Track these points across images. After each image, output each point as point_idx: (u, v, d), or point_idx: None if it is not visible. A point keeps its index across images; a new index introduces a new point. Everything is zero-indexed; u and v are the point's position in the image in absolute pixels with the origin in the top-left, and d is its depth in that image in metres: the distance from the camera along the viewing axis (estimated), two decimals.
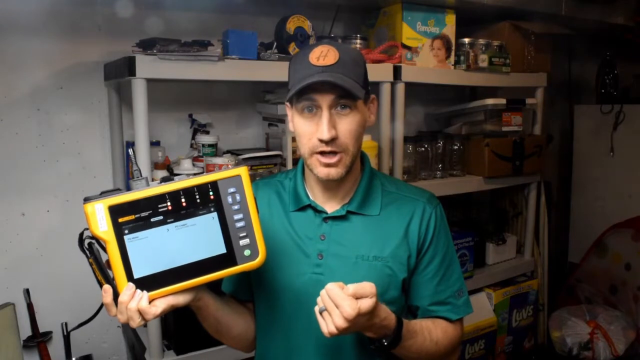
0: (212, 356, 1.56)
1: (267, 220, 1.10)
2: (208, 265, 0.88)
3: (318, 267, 1.06)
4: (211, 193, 0.89)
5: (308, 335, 1.06)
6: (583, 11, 2.37)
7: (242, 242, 0.90)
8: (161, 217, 0.86)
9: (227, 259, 0.90)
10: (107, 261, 0.86)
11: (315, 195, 1.11)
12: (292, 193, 1.12)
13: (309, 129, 1.00)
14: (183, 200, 0.88)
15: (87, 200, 0.85)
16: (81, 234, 0.87)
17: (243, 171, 0.91)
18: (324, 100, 0.98)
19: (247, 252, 0.90)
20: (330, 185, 1.08)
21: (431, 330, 1.06)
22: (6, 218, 1.62)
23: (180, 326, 1.52)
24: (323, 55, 0.98)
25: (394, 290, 1.07)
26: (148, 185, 0.88)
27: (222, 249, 0.89)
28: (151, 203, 0.86)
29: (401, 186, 1.16)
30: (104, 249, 0.87)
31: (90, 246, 0.88)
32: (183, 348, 1.54)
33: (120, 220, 0.85)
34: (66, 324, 1.65)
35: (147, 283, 0.85)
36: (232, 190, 0.90)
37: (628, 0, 2.61)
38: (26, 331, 1.63)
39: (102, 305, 0.91)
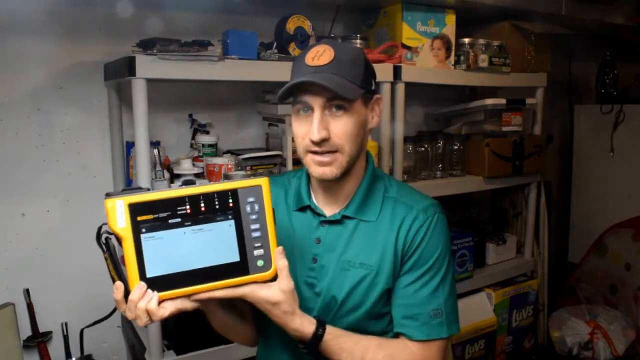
0: (212, 356, 1.56)
1: None
2: (220, 272, 0.88)
3: (312, 271, 1.06)
4: (230, 201, 0.89)
5: None
6: (583, 11, 2.38)
7: (257, 253, 0.90)
8: (179, 220, 0.87)
9: (240, 267, 0.89)
10: (122, 257, 0.87)
11: (318, 197, 1.09)
12: (296, 192, 1.11)
13: (303, 130, 0.99)
14: (202, 205, 0.88)
15: (108, 195, 0.85)
16: (99, 228, 0.87)
17: (264, 182, 0.91)
18: (315, 101, 0.97)
19: (260, 263, 0.90)
20: (330, 188, 1.06)
21: (367, 351, 0.99)
22: (6, 218, 1.62)
23: (180, 326, 1.52)
24: (318, 55, 0.97)
25: (378, 300, 1.03)
26: (169, 186, 0.88)
27: (235, 257, 0.89)
28: (171, 205, 0.87)
29: (403, 192, 1.10)
30: (121, 245, 0.87)
31: (107, 241, 0.88)
32: (183, 348, 1.54)
33: (138, 218, 0.85)
34: (66, 323, 1.65)
35: (159, 283, 0.86)
36: (251, 199, 0.90)
37: (628, 0, 2.61)
38: (26, 331, 1.64)
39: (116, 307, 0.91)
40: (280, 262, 0.90)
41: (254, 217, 0.90)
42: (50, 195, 1.68)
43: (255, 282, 0.90)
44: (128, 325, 1.73)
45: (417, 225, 1.03)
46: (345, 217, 1.06)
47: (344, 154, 0.99)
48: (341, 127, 0.98)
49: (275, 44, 1.66)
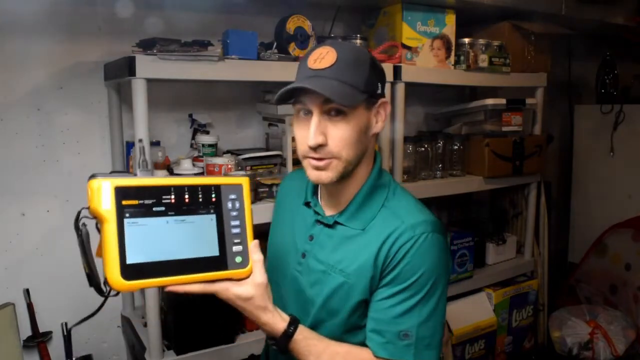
0: (212, 356, 1.56)
1: (283, 209, 1.15)
2: (199, 265, 0.89)
3: (299, 265, 1.08)
4: (214, 195, 0.91)
5: None
6: (583, 11, 2.38)
7: (235, 249, 0.91)
8: (163, 208, 0.87)
9: (218, 262, 0.90)
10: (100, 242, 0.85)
11: (323, 196, 1.10)
12: (305, 187, 1.14)
13: (303, 133, 0.98)
14: (187, 196, 0.89)
15: (93, 176, 0.84)
16: (79, 212, 0.85)
17: (245, 181, 0.94)
18: (314, 105, 0.95)
19: (238, 259, 0.91)
20: (330, 190, 1.06)
21: (334, 357, 0.98)
22: (6, 218, 1.62)
23: (180, 326, 1.52)
24: (321, 58, 0.95)
25: (354, 310, 1.01)
26: (152, 176, 0.89)
27: (215, 252, 0.90)
28: (157, 192, 0.87)
29: (402, 204, 1.05)
30: (99, 231, 0.85)
31: (84, 227, 0.86)
32: (183, 348, 1.54)
33: (124, 202, 0.84)
34: (66, 323, 1.65)
35: (138, 271, 0.85)
36: (232, 197, 0.93)
37: (628, 0, 2.61)
38: (26, 331, 1.63)
39: (103, 302, 0.93)
40: (255, 255, 0.91)
41: (234, 213, 0.92)
42: (50, 195, 1.68)
43: (231, 278, 0.91)
44: (128, 325, 1.73)
45: (401, 241, 0.98)
46: (336, 222, 1.06)
47: (340, 160, 0.98)
48: (339, 132, 0.96)
49: (275, 44, 1.66)
